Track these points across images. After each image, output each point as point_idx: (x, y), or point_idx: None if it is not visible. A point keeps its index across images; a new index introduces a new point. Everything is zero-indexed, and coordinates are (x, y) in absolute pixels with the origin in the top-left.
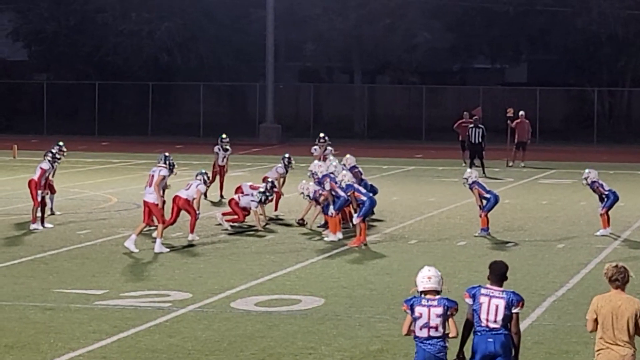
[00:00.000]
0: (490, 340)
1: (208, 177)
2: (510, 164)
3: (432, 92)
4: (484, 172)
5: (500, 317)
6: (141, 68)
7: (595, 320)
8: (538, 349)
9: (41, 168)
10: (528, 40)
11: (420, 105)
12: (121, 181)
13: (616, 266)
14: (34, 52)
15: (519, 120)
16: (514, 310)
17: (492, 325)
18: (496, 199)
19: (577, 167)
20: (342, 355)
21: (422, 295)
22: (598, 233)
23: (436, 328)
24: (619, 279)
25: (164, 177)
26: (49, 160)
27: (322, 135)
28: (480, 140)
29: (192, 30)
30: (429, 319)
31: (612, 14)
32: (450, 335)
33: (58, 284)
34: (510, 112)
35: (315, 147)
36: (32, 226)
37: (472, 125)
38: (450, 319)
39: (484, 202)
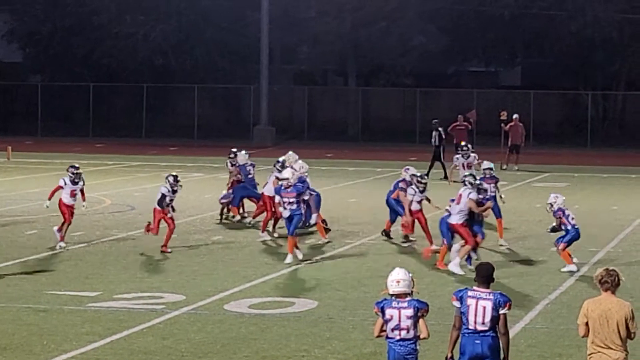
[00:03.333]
0: (478, 342)
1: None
2: (504, 167)
3: (427, 95)
4: (445, 176)
5: (487, 318)
6: (136, 70)
7: (587, 325)
8: (531, 352)
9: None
10: (522, 44)
11: (414, 108)
12: (115, 183)
13: (606, 269)
14: (29, 53)
15: (512, 124)
16: (502, 312)
17: (480, 327)
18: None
19: (571, 171)
20: (336, 357)
21: (393, 298)
22: (564, 269)
23: (407, 330)
24: (609, 282)
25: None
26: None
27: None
28: (438, 142)
29: (188, 32)
30: (399, 320)
31: (606, 17)
32: (421, 336)
33: (51, 285)
34: (503, 115)
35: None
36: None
37: (433, 128)
38: (420, 320)
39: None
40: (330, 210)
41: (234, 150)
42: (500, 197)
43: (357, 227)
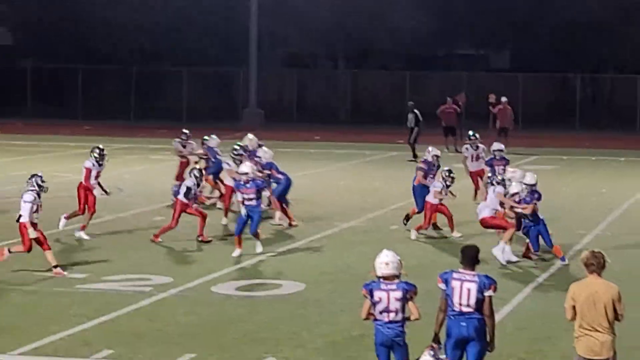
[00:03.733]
0: (464, 324)
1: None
2: None
3: (416, 78)
4: (414, 157)
5: (472, 300)
6: (126, 53)
7: (574, 308)
8: (519, 335)
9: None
10: (512, 27)
11: (403, 91)
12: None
13: (592, 252)
14: (19, 36)
15: (501, 107)
16: (486, 294)
17: (465, 309)
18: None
19: (559, 153)
20: (324, 340)
21: (381, 280)
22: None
23: (396, 312)
24: (595, 264)
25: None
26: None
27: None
28: (414, 125)
29: (177, 16)
30: (388, 303)
31: (596, 1)
32: (412, 318)
33: (39, 267)
34: (492, 98)
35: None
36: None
37: (409, 110)
38: (410, 302)
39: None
40: (319, 193)
41: (186, 131)
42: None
43: (345, 210)
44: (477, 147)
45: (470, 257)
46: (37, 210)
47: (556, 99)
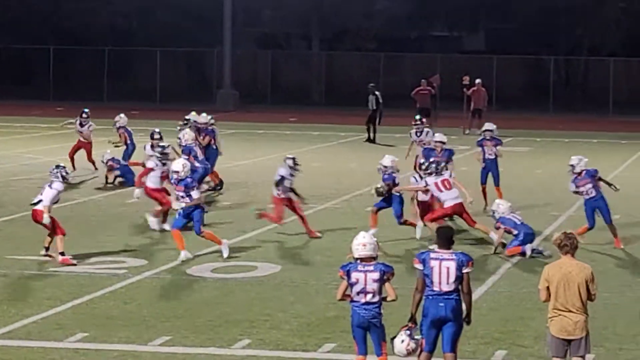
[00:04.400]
0: (442, 305)
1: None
2: (467, 131)
3: (390, 59)
4: (374, 139)
5: (452, 279)
6: (98, 33)
7: (547, 289)
8: (493, 316)
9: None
10: (486, 9)
11: (378, 72)
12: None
13: (564, 233)
14: None
15: (475, 88)
16: (465, 271)
17: (445, 288)
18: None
19: (533, 135)
20: (299, 321)
21: (358, 262)
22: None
23: (373, 294)
24: (568, 245)
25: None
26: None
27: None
28: (375, 107)
29: None
30: (365, 284)
31: None
32: (388, 299)
33: (11, 250)
34: (466, 80)
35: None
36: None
37: (369, 92)
38: (387, 284)
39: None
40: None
41: (86, 110)
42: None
43: (320, 192)
44: (422, 131)
45: (446, 237)
46: (57, 201)
47: (530, 80)
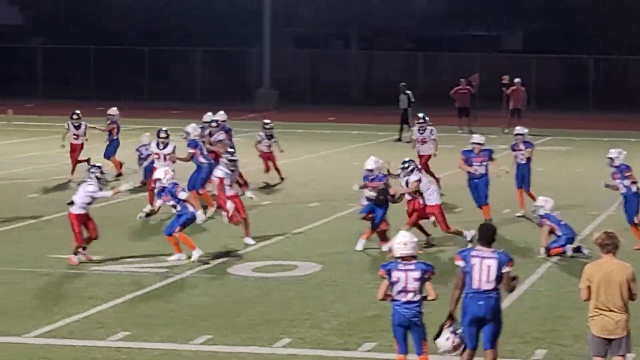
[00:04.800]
0: (481, 303)
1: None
2: (506, 131)
3: (429, 58)
4: (400, 139)
5: (492, 277)
6: (137, 33)
7: (589, 288)
8: (533, 315)
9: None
10: (525, 8)
11: (416, 71)
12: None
13: (606, 232)
14: (29, 15)
15: (514, 87)
16: (504, 270)
17: (484, 286)
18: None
19: (572, 135)
20: (339, 320)
21: (399, 260)
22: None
23: (414, 292)
24: (610, 244)
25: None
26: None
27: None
28: (407, 106)
29: None
30: (406, 283)
31: None
32: (429, 298)
33: (53, 250)
34: (505, 79)
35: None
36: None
37: (401, 91)
38: (427, 283)
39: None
40: (334, 174)
41: (78, 112)
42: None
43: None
44: (425, 129)
45: (487, 235)
46: (91, 202)
47: (569, 80)
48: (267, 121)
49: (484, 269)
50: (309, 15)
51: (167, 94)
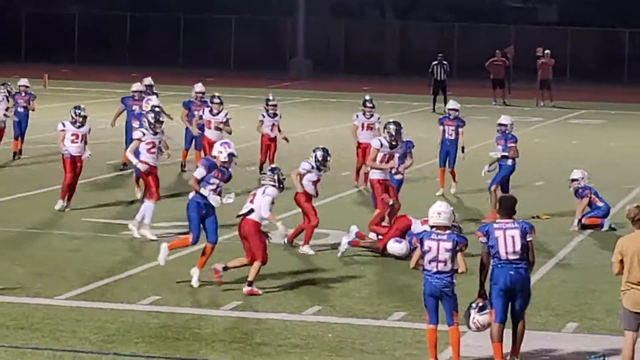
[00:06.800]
0: (512, 272)
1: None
2: (541, 104)
3: (465, 30)
4: (445, 106)
5: (518, 246)
6: (174, 1)
7: (621, 262)
8: (565, 288)
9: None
10: None
11: (452, 43)
12: None
13: (638, 206)
14: None
15: (544, 60)
16: (529, 238)
17: (511, 257)
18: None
19: (607, 108)
20: (369, 289)
21: (433, 230)
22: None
23: (445, 262)
24: None
25: None
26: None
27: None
28: (444, 77)
29: None
30: (437, 253)
31: None
32: (459, 270)
33: (86, 213)
34: (539, 52)
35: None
36: None
37: (436, 62)
38: (459, 254)
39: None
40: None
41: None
42: (462, 148)
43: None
44: (372, 114)
45: (508, 206)
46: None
47: (604, 53)
48: (270, 97)
49: (508, 239)
50: None
51: (202, 62)
